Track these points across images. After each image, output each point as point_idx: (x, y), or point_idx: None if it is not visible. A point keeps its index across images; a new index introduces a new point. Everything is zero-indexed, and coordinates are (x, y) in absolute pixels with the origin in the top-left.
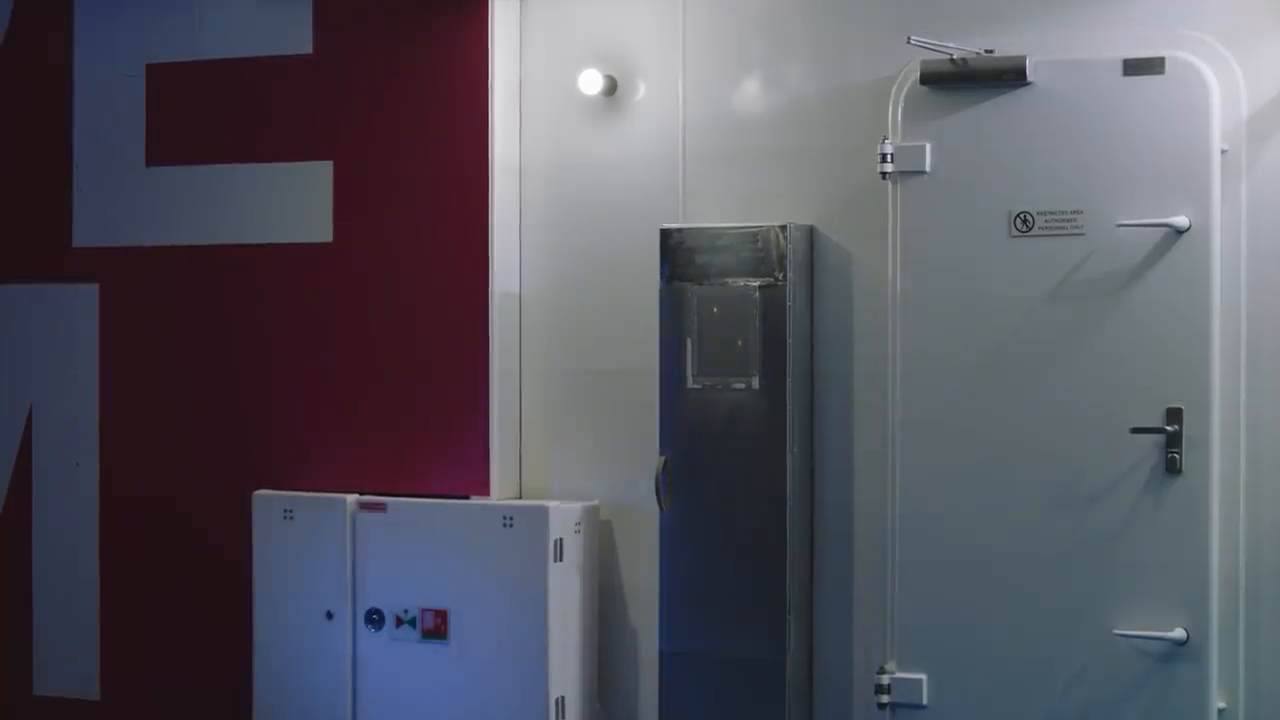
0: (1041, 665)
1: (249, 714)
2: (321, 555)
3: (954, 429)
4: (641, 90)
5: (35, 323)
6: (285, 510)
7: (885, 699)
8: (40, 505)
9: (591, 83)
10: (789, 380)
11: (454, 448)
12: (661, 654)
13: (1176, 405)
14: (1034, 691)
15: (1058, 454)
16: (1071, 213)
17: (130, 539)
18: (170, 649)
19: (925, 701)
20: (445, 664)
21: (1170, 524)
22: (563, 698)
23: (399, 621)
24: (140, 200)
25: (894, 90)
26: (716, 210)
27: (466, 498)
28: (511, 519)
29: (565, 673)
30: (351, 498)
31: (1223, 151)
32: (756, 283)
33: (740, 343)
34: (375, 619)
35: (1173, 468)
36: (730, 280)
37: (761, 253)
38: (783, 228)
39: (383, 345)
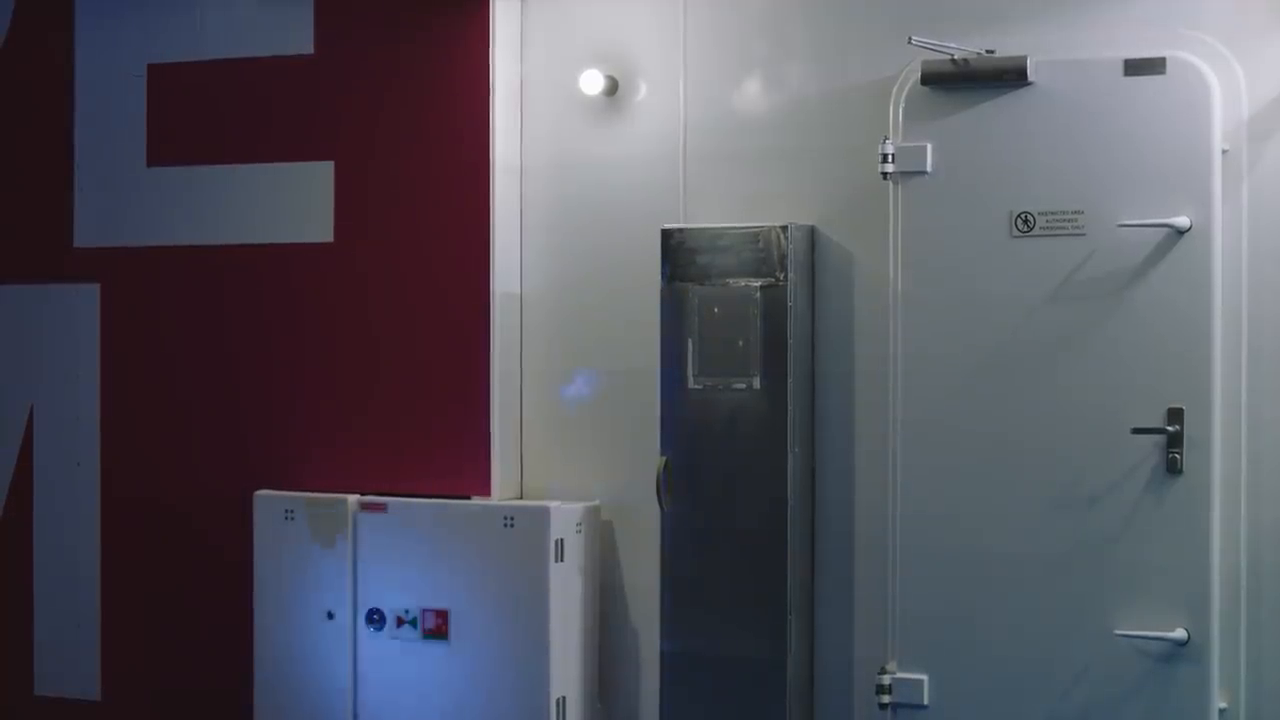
0: (1042, 665)
1: (249, 714)
2: (322, 555)
3: (955, 429)
4: (642, 90)
5: (36, 323)
6: (286, 510)
7: (886, 699)
8: (41, 505)
9: (593, 83)
10: (790, 380)
11: (455, 448)
12: (662, 654)
13: (1177, 405)
14: (1035, 691)
15: (1059, 454)
16: (1072, 213)
17: (131, 539)
18: (171, 649)
19: (926, 701)
20: (446, 664)
21: (1171, 524)
22: (564, 698)
23: (400, 621)
24: (141, 200)
25: (895, 90)
26: (717, 210)
27: (467, 498)
28: (512, 519)
29: (566, 673)
30: (353, 497)
31: (1224, 152)
32: (758, 283)
33: (741, 343)
34: (376, 619)
35: (1174, 468)
36: (731, 280)
37: (763, 253)
38: (784, 228)
39: (384, 345)
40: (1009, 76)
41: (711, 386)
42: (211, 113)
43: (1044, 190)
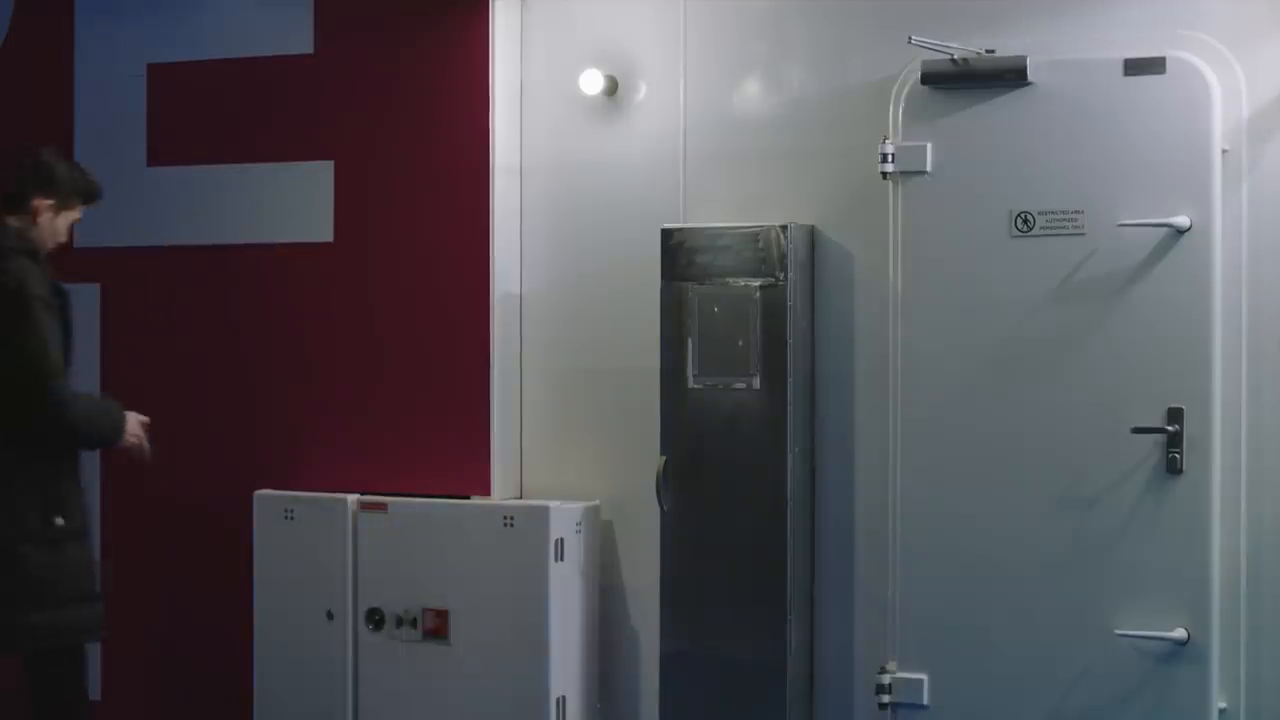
0: (1042, 665)
1: (249, 713)
2: (322, 555)
3: (955, 429)
4: (643, 90)
5: None
6: (286, 510)
7: (886, 699)
8: None
9: (593, 83)
10: (790, 380)
11: (455, 448)
12: (662, 654)
13: (1178, 405)
14: (1035, 691)
15: (1059, 454)
16: (1072, 212)
17: (131, 539)
18: (171, 648)
19: (926, 701)
20: (446, 664)
21: (1171, 524)
22: (563, 698)
23: (400, 621)
24: (141, 200)
25: (895, 90)
26: (717, 210)
27: (467, 498)
28: (512, 519)
29: (566, 673)
30: (353, 497)
31: (1224, 151)
32: (757, 283)
33: (741, 343)
34: (376, 619)
35: (1174, 467)
36: (731, 280)
37: (762, 253)
38: (784, 228)
39: (384, 345)
40: (1009, 76)
41: (711, 386)
42: (212, 113)
43: (1044, 190)
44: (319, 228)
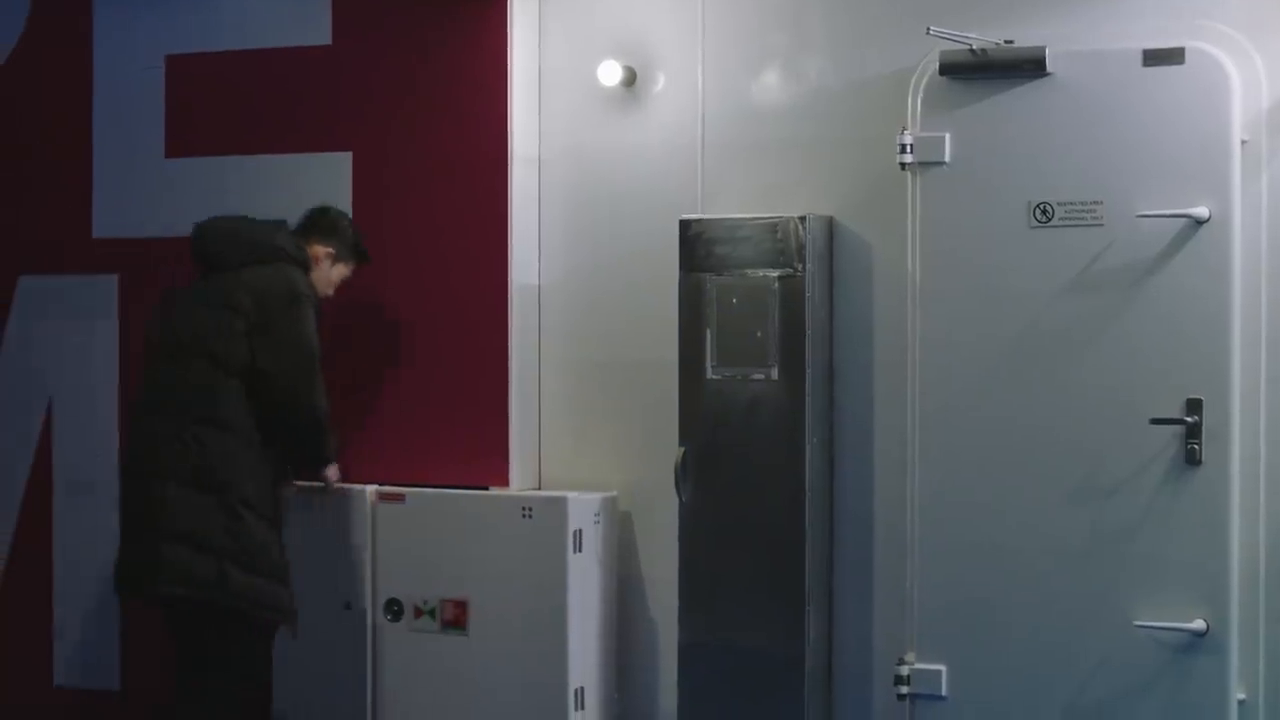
0: (1061, 656)
1: (267, 704)
2: (340, 546)
3: (973, 420)
4: (661, 81)
5: (55, 314)
6: (304, 501)
7: (905, 690)
8: (60, 499)
9: (611, 74)
10: (808, 371)
11: (473, 439)
12: (680, 645)
13: (1196, 396)
14: (1053, 682)
15: (1077, 445)
16: (1091, 203)
17: None
18: None
19: (945, 692)
20: (465, 655)
21: (1190, 515)
22: (582, 688)
23: (418, 612)
24: (160, 192)
25: (913, 81)
26: (735, 201)
27: (485, 489)
28: (531, 510)
29: (585, 663)
30: (371, 488)
31: (1243, 142)
32: (775, 273)
33: (759, 333)
34: (394, 609)
35: (1192, 459)
36: (749, 271)
37: (781, 244)
38: (802, 219)
39: (402, 337)
40: (1027, 67)
41: (730, 377)
42: (230, 104)
43: (1063, 181)
44: None
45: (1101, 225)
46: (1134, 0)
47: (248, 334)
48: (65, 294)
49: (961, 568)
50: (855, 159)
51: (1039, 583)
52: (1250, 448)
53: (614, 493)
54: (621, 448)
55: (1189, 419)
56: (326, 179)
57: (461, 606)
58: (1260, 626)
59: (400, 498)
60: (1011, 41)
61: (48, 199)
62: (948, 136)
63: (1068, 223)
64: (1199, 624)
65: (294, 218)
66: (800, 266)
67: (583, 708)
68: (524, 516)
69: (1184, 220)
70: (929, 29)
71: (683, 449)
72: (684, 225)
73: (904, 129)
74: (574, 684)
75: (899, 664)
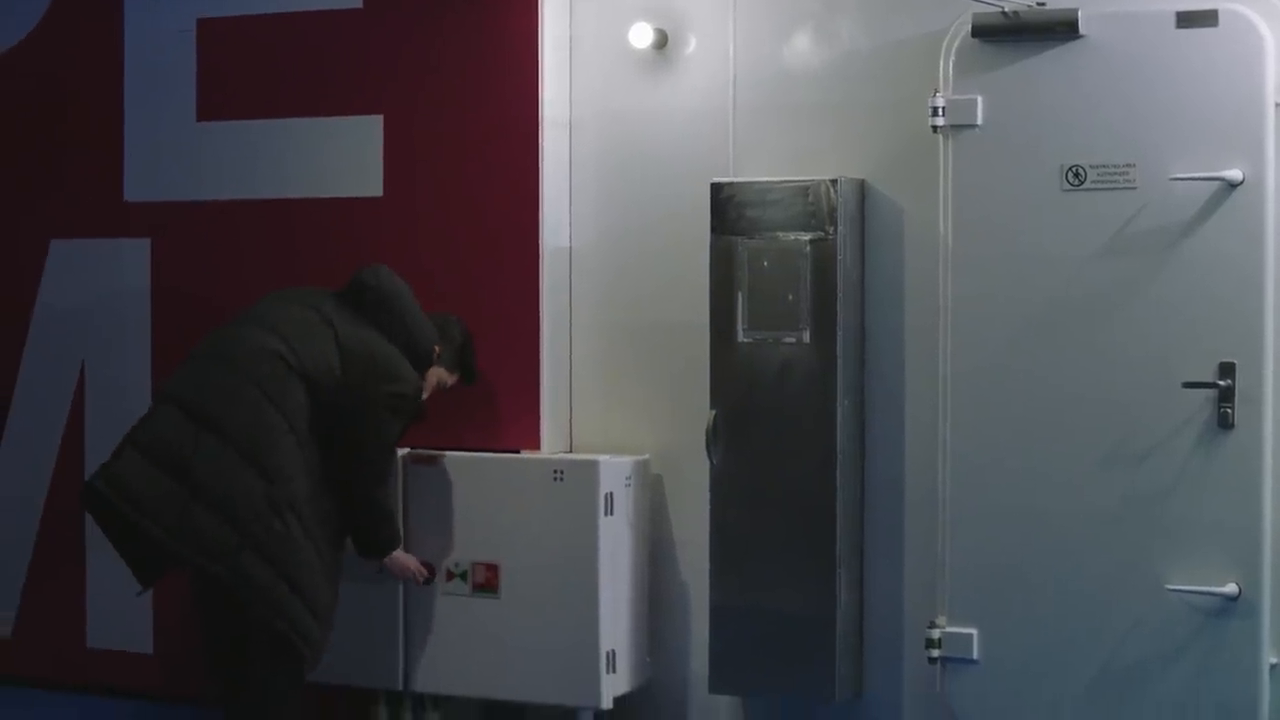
0: (1093, 620)
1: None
2: None
3: (1005, 383)
4: (692, 44)
5: (87, 278)
6: None
7: (936, 653)
8: (92, 462)
9: (642, 36)
10: (839, 334)
11: (505, 402)
12: (712, 608)
13: (1229, 360)
14: (1085, 646)
15: (1109, 408)
16: (1124, 166)
17: None
18: None
19: (976, 656)
20: (497, 618)
21: (1222, 478)
22: (613, 651)
23: (450, 575)
24: (191, 155)
25: (945, 43)
26: (767, 164)
27: (517, 452)
28: (562, 473)
29: (616, 626)
30: (403, 451)
31: (1277, 104)
32: (807, 237)
33: (790, 297)
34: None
35: (1225, 422)
36: (781, 234)
37: (812, 207)
38: (833, 182)
39: (434, 300)
40: (1060, 29)
41: (761, 340)
42: (261, 67)
43: (1095, 143)
44: (368, 182)
45: (1134, 188)
46: None
47: (338, 379)
48: (97, 258)
49: (993, 531)
50: (887, 122)
51: (1071, 546)
52: None
53: (645, 456)
54: (653, 411)
55: (1221, 383)
56: (357, 142)
57: (493, 570)
58: None
59: (433, 460)
60: (1044, 3)
61: (79, 163)
62: (980, 99)
63: (1100, 186)
64: (1231, 588)
65: (322, 179)
66: (832, 229)
67: (614, 670)
68: (555, 480)
69: (1217, 183)
70: None
71: (714, 412)
72: (715, 188)
73: (936, 91)
74: (606, 646)
75: (930, 627)
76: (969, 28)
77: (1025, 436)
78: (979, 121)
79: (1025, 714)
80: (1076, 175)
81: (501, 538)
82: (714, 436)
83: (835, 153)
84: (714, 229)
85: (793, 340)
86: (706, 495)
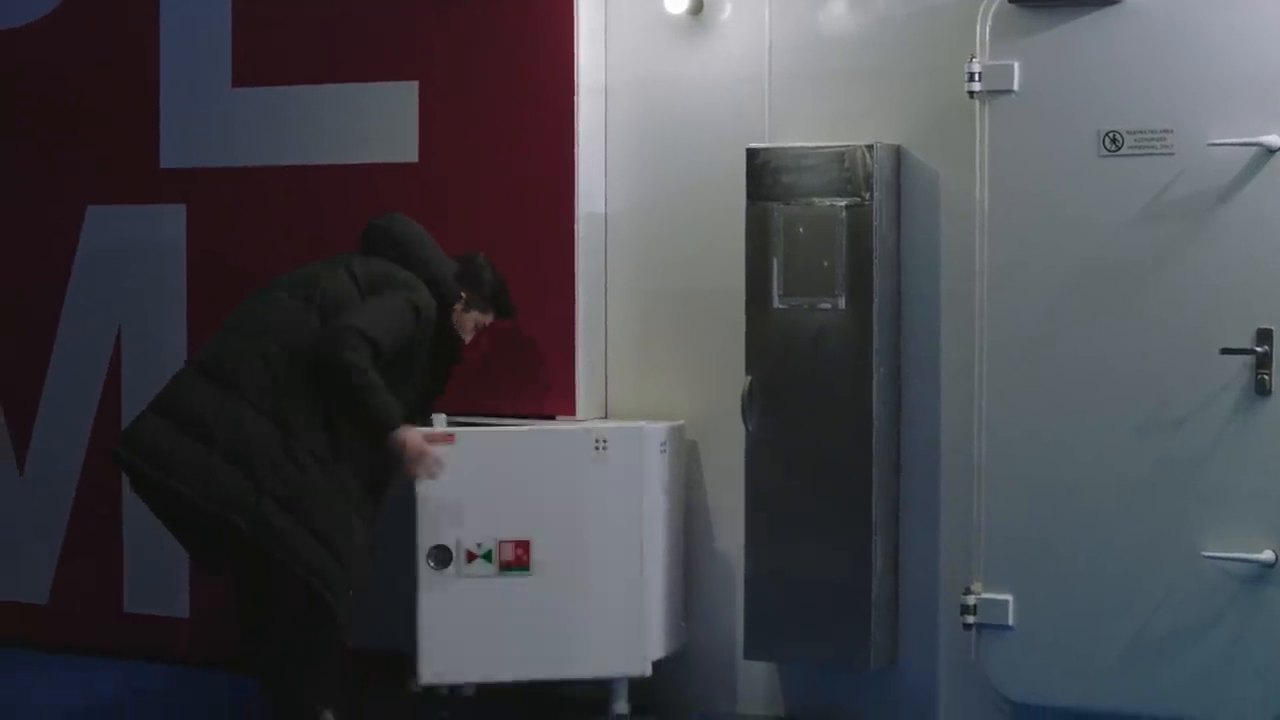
0: (1128, 586)
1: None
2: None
3: (1041, 350)
4: (728, 9)
5: (123, 244)
6: None
7: (971, 620)
8: None
9: (678, 2)
10: (875, 300)
11: (540, 368)
12: (747, 574)
13: (1267, 326)
14: (1120, 612)
15: (1146, 375)
16: (1161, 132)
17: None
18: None
19: (1011, 622)
20: (528, 596)
21: (1259, 445)
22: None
23: (470, 556)
24: (226, 121)
25: (982, 8)
26: (802, 130)
27: (553, 417)
28: (605, 441)
29: (651, 593)
30: (439, 417)
31: None
32: (843, 203)
33: (826, 263)
34: (441, 556)
35: (1262, 389)
36: (816, 200)
37: (848, 173)
38: (869, 147)
39: None
40: None
41: (796, 306)
42: (297, 33)
43: (1132, 109)
44: (404, 148)
45: (1172, 154)
46: None
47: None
48: (133, 224)
49: (1029, 497)
50: (923, 88)
51: (1107, 513)
52: None
53: (681, 422)
54: (688, 377)
55: (1259, 349)
56: (392, 108)
57: (524, 546)
58: None
59: (449, 439)
60: None
61: (115, 129)
62: (1016, 65)
63: (1137, 151)
64: (1267, 555)
65: (357, 145)
66: (867, 195)
67: (649, 637)
68: (597, 448)
69: (1255, 148)
70: None
71: (749, 378)
72: (751, 154)
73: (972, 57)
74: (649, 614)
75: (965, 594)
76: None
77: (1062, 402)
78: (1015, 87)
79: (1060, 680)
80: (1114, 141)
81: (534, 512)
82: (749, 402)
83: (871, 118)
84: (749, 195)
85: (828, 306)
86: (742, 461)
